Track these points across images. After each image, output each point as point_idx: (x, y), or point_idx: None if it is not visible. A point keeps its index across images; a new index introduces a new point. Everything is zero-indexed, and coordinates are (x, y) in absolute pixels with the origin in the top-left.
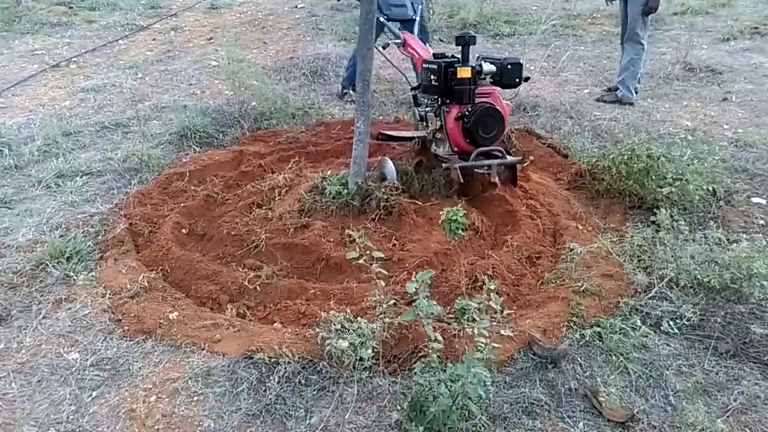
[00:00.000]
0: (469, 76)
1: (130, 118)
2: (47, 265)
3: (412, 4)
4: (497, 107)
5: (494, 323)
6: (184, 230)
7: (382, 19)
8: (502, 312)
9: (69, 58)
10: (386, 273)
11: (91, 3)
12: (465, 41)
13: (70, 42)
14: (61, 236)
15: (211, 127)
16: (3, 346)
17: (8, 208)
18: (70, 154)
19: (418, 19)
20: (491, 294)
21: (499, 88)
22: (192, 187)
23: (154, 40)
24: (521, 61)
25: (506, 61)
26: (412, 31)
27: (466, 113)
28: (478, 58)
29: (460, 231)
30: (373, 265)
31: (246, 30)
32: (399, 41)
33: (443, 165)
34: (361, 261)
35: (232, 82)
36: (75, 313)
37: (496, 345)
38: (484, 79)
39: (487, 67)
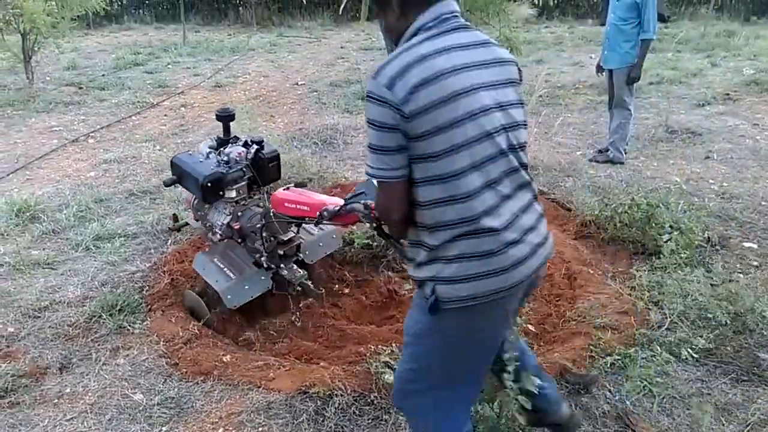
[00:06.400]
0: None
1: (156, 186)
2: (101, 317)
3: None
4: None
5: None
6: None
7: None
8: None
9: (86, 133)
10: None
11: (100, 83)
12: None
13: (85, 119)
14: (110, 291)
15: None
16: (70, 390)
17: (51, 269)
18: (104, 219)
19: None
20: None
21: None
22: None
23: (165, 116)
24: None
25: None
26: None
27: None
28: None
29: None
30: None
31: (253, 105)
32: None
33: None
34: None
35: None
36: (133, 359)
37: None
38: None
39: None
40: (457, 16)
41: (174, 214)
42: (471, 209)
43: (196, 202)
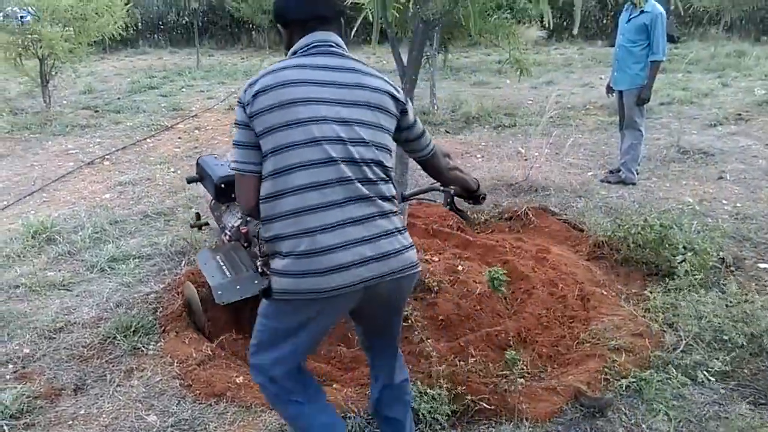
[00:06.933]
0: None
1: (170, 208)
2: (115, 338)
3: None
4: None
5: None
6: None
7: None
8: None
9: (102, 155)
10: None
11: (115, 106)
12: None
13: (101, 141)
14: (125, 313)
15: None
16: (84, 412)
17: (67, 290)
18: (119, 241)
19: None
20: None
21: None
22: None
23: (180, 138)
24: None
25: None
26: None
27: None
28: None
29: (502, 288)
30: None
31: None
32: None
33: None
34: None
35: None
36: (147, 381)
37: None
38: None
39: None
40: (331, 45)
41: (197, 213)
42: (293, 204)
43: (213, 203)
